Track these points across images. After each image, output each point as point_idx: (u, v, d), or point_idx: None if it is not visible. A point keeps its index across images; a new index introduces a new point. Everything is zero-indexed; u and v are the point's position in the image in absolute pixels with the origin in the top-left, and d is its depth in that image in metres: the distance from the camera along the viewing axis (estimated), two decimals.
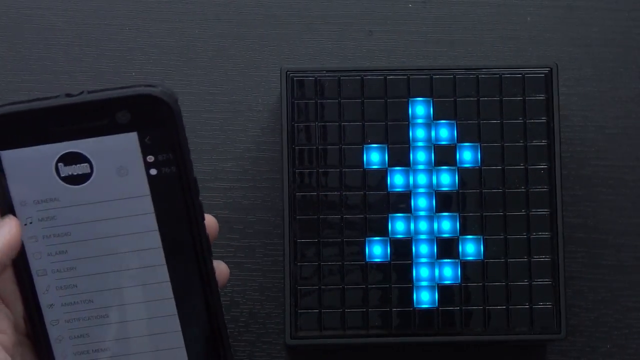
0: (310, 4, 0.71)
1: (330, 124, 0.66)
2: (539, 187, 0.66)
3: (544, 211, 0.66)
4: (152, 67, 0.70)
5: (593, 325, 0.69)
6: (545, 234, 0.66)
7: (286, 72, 0.66)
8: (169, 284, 0.57)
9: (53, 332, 0.57)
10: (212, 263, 0.57)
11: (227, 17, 0.71)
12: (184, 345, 0.57)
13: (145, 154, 0.55)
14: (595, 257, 0.70)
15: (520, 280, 0.66)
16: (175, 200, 0.56)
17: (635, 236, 0.70)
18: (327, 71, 0.67)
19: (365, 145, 0.66)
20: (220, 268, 0.59)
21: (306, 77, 0.66)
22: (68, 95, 0.55)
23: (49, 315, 0.57)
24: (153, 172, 0.55)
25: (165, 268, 0.56)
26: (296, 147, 0.66)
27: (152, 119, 0.55)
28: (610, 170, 0.70)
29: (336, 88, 0.66)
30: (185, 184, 0.55)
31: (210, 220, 0.57)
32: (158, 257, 0.56)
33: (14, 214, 0.55)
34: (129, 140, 0.55)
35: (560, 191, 0.66)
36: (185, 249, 0.56)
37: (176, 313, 0.57)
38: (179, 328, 0.57)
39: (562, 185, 0.66)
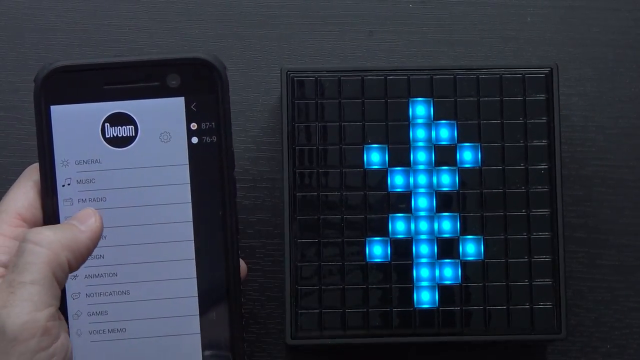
0: (310, 4, 0.71)
1: (331, 124, 0.66)
2: (539, 187, 0.66)
3: (544, 211, 0.66)
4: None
5: (593, 325, 0.70)
6: (546, 234, 0.66)
7: (286, 72, 0.66)
8: (194, 261, 0.57)
9: (72, 307, 0.57)
10: (238, 244, 0.57)
11: (228, 17, 0.71)
12: (199, 332, 0.57)
13: (189, 120, 0.56)
14: (595, 257, 0.70)
15: (521, 280, 0.66)
16: (211, 172, 0.57)
17: (635, 236, 0.70)
18: (327, 71, 0.67)
19: (365, 145, 0.66)
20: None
21: (306, 77, 0.66)
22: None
23: (70, 288, 0.57)
24: (194, 140, 0.56)
25: (192, 244, 0.57)
26: (296, 147, 0.66)
27: (201, 85, 0.56)
28: (610, 170, 0.70)
29: (336, 88, 0.66)
30: (223, 156, 0.56)
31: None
32: (187, 231, 0.57)
33: (54, 174, 0.56)
34: (176, 105, 0.56)
35: (561, 191, 0.66)
36: (214, 225, 0.57)
37: (197, 295, 0.57)
38: (197, 312, 0.57)
39: (562, 185, 0.66)
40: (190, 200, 0.57)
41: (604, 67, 0.71)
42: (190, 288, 0.57)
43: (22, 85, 0.70)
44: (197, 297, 0.57)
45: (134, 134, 0.56)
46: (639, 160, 0.71)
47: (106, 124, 0.56)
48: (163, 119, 0.56)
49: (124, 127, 0.56)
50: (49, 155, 0.56)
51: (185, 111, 0.56)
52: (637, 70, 0.71)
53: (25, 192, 0.57)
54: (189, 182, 0.57)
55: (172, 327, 0.57)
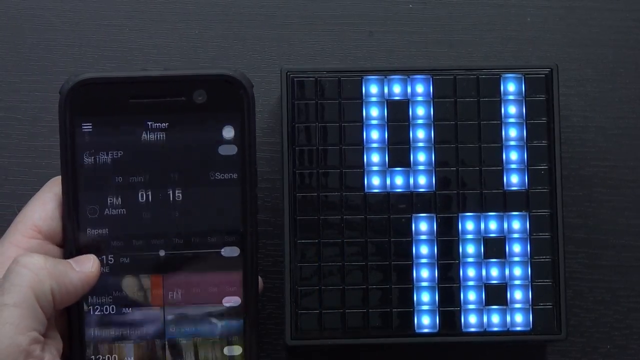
0: (310, 4, 0.71)
1: (331, 125, 0.66)
2: (539, 187, 0.66)
3: (544, 211, 0.66)
4: (152, 68, 0.70)
5: (593, 326, 0.70)
6: (546, 234, 0.66)
7: (286, 73, 0.66)
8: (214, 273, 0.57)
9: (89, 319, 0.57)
10: (257, 260, 0.57)
11: (227, 18, 0.71)
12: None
13: (214, 136, 0.57)
14: (595, 257, 0.70)
15: (521, 281, 0.66)
16: (234, 188, 0.57)
17: (635, 236, 0.70)
18: (327, 71, 0.67)
19: (365, 146, 0.66)
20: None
21: (306, 77, 0.66)
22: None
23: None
24: (218, 156, 0.57)
25: (213, 256, 0.57)
26: (296, 148, 0.66)
27: (227, 102, 0.56)
28: (610, 171, 0.70)
29: (336, 88, 0.66)
30: (246, 172, 0.57)
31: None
32: (208, 244, 0.57)
33: (77, 186, 0.56)
34: (202, 121, 0.56)
35: (561, 191, 0.66)
36: (234, 241, 0.57)
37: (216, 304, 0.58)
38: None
39: (562, 185, 0.66)
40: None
41: (604, 67, 0.71)
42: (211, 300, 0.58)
43: (22, 85, 0.70)
44: (216, 307, 0.58)
45: None
46: (639, 161, 0.71)
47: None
48: (188, 134, 0.56)
49: None
50: (72, 166, 0.56)
51: (211, 127, 0.56)
52: (637, 70, 0.71)
53: (43, 203, 0.56)
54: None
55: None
